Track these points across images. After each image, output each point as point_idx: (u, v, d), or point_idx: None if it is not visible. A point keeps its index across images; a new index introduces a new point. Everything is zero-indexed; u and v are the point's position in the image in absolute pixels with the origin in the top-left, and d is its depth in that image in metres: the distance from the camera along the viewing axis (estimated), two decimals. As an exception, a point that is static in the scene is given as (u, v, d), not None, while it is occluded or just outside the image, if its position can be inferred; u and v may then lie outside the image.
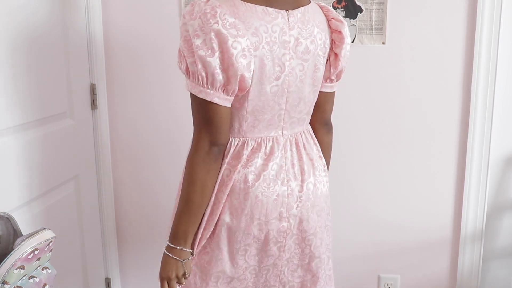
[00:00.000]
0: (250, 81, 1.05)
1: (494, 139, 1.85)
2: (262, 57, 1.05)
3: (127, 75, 1.91)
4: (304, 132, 1.23)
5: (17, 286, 1.05)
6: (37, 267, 1.11)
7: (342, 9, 1.79)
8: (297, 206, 1.17)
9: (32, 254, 1.06)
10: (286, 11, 1.08)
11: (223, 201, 1.13)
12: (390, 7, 1.78)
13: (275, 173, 1.14)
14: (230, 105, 1.06)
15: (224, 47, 0.99)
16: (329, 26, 1.19)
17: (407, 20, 1.79)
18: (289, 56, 1.09)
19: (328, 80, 1.23)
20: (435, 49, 1.80)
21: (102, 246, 1.96)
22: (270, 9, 1.06)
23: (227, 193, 1.13)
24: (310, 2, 1.16)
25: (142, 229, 2.03)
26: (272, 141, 1.16)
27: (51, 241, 1.12)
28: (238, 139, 1.14)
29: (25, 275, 1.07)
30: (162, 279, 1.18)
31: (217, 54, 0.99)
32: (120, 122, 1.95)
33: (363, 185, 1.93)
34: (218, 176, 1.12)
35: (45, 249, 1.10)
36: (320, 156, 1.25)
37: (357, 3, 1.78)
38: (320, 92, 1.24)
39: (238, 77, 1.01)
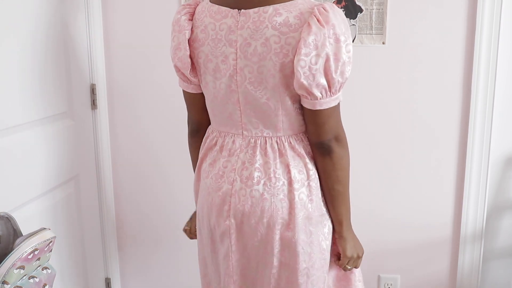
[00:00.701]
0: (188, 71, 1.16)
1: (494, 139, 1.85)
2: (207, 53, 1.12)
3: (127, 75, 1.91)
4: (274, 138, 1.14)
5: (17, 286, 1.05)
6: (37, 267, 1.11)
7: (342, 9, 1.79)
8: (238, 208, 1.15)
9: (32, 254, 1.06)
10: (238, 10, 1.07)
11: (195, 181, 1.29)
12: (390, 7, 1.78)
13: (223, 170, 1.17)
14: (191, 91, 1.23)
15: (171, 40, 1.16)
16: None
17: (407, 20, 1.79)
18: (236, 55, 1.08)
19: (304, 96, 1.07)
20: (435, 49, 1.80)
21: (102, 246, 1.96)
22: (223, 8, 1.09)
23: (197, 173, 1.28)
24: (282, 1, 1.05)
25: (142, 229, 2.03)
26: (231, 137, 1.18)
27: (51, 241, 1.12)
28: (210, 127, 1.25)
29: (25, 275, 1.07)
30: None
31: (172, 44, 1.17)
32: (120, 122, 1.95)
33: (363, 185, 1.93)
34: (198, 152, 1.28)
35: (45, 249, 1.10)
36: (300, 170, 1.13)
37: (357, 3, 1.78)
38: (304, 108, 1.11)
39: (176, 65, 1.17)
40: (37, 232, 1.09)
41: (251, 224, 1.14)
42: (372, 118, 1.88)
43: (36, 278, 1.10)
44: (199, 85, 1.21)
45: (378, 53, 1.82)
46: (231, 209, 1.15)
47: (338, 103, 1.11)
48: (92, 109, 1.84)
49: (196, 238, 1.36)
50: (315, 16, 1.01)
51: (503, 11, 1.74)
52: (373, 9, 1.78)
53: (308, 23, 1.01)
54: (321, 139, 1.11)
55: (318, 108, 1.07)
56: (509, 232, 2.00)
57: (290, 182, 1.12)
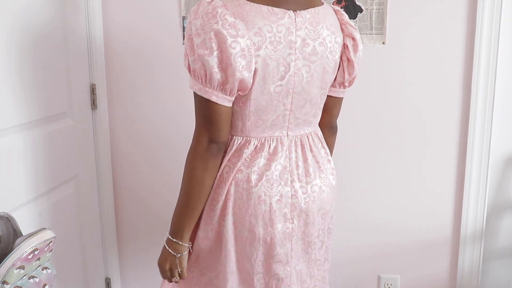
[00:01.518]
0: (251, 80, 1.05)
1: (494, 139, 1.85)
2: (265, 57, 1.05)
3: (127, 75, 1.91)
4: (311, 134, 1.22)
5: (17, 286, 1.05)
6: (37, 267, 1.11)
7: (342, 9, 1.79)
8: (302, 208, 1.16)
9: (32, 254, 1.06)
10: (294, 11, 1.08)
11: (223, 198, 1.13)
12: (390, 7, 1.78)
13: (278, 174, 1.14)
14: (229, 105, 1.07)
15: (223, 47, 1.00)
16: (342, 30, 1.18)
17: (407, 20, 1.79)
18: (295, 56, 1.09)
19: (340, 86, 1.24)
20: (435, 49, 1.80)
21: (102, 246, 1.96)
22: (276, 9, 1.06)
23: (226, 190, 1.13)
24: (322, 3, 1.16)
25: (142, 229, 2.03)
26: (276, 141, 1.16)
27: (51, 241, 1.12)
28: (241, 138, 1.14)
29: (25, 275, 1.07)
30: (159, 267, 1.25)
31: (215, 53, 1.00)
32: (120, 122, 1.95)
33: (363, 185, 1.93)
34: (217, 173, 1.13)
35: (45, 249, 1.10)
36: (328, 160, 1.25)
37: (357, 3, 1.78)
38: (329, 96, 1.24)
39: (237, 77, 1.02)
40: (37, 232, 1.09)
41: (315, 219, 1.20)
42: (372, 118, 1.88)
43: (36, 278, 1.10)
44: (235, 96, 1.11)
45: (378, 53, 1.82)
46: (295, 210, 1.16)
47: None
48: (92, 109, 1.84)
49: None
50: (345, 17, 1.22)
51: (503, 11, 1.74)
52: (373, 9, 1.78)
53: (347, 23, 1.20)
54: (333, 122, 1.33)
55: (341, 95, 1.28)
56: (509, 232, 2.00)
57: (332, 172, 1.25)
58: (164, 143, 1.95)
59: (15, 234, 1.14)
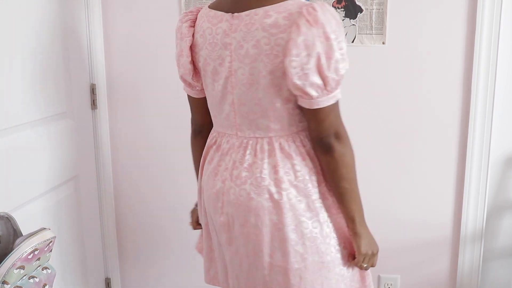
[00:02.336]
0: (189, 77, 1.22)
1: (494, 139, 1.85)
2: (206, 56, 1.16)
3: (127, 75, 1.91)
4: (270, 140, 1.15)
5: (17, 286, 1.05)
6: (37, 267, 1.11)
7: (342, 9, 1.79)
8: (229, 207, 1.17)
9: (32, 254, 1.06)
10: (232, 14, 1.10)
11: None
12: (390, 7, 1.78)
13: (218, 168, 1.20)
14: (194, 95, 1.28)
15: (175, 48, 1.22)
16: None
17: (407, 20, 1.79)
18: (231, 58, 1.12)
19: (303, 95, 1.07)
20: (435, 49, 1.80)
21: (102, 246, 1.96)
22: (219, 13, 1.13)
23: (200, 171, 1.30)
24: (272, 3, 1.06)
25: (142, 229, 2.03)
26: (226, 138, 1.21)
27: (51, 241, 1.12)
28: (213, 128, 1.28)
29: (25, 275, 1.07)
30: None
31: (175, 51, 1.23)
32: (120, 122, 1.95)
33: (363, 185, 1.92)
34: (199, 152, 1.33)
35: (45, 249, 1.10)
36: (296, 176, 1.13)
37: (357, 3, 1.78)
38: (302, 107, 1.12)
39: (179, 72, 1.23)
40: (37, 232, 1.09)
41: (241, 223, 1.15)
42: (372, 118, 1.88)
43: (36, 278, 1.10)
44: (202, 90, 1.26)
45: (378, 53, 1.82)
46: (224, 207, 1.18)
47: (338, 102, 1.12)
48: (92, 109, 1.84)
49: (199, 229, 1.42)
50: (304, 16, 1.02)
51: (503, 11, 1.74)
52: (373, 9, 1.78)
53: (297, 23, 1.02)
54: (321, 136, 1.12)
55: (316, 107, 1.08)
56: (509, 232, 2.00)
57: (276, 183, 1.12)
58: (164, 142, 1.95)
59: (15, 234, 1.14)
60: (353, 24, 1.80)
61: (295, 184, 1.13)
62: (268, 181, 1.12)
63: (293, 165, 1.13)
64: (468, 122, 1.83)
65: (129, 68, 1.90)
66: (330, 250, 1.17)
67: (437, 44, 1.80)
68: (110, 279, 2.00)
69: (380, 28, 1.79)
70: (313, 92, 1.06)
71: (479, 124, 1.82)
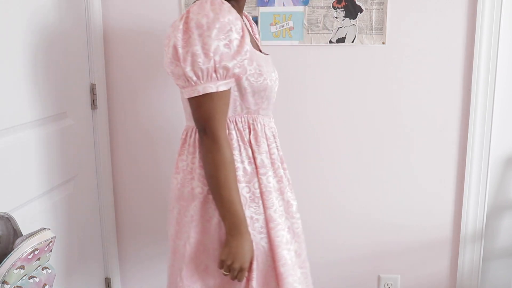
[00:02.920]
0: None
1: (494, 139, 1.85)
2: None
3: (127, 75, 1.91)
4: (191, 130, 1.28)
5: (17, 286, 1.05)
6: (37, 267, 1.11)
7: (342, 9, 1.79)
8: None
9: (32, 254, 1.06)
10: None
11: None
12: (390, 7, 1.78)
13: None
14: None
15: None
16: None
17: (407, 20, 1.79)
18: None
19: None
20: (435, 49, 1.80)
21: (102, 246, 1.96)
22: None
23: None
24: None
25: (142, 229, 2.03)
26: None
27: (51, 241, 1.12)
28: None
29: (25, 275, 1.07)
30: None
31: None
32: (120, 122, 1.95)
33: (363, 185, 1.93)
34: None
35: (45, 249, 1.10)
36: (184, 158, 1.27)
37: (357, 3, 1.78)
38: None
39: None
40: (37, 232, 1.09)
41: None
42: (372, 118, 1.88)
43: (36, 278, 1.10)
44: None
45: (378, 53, 1.82)
46: None
47: (209, 97, 1.12)
48: (92, 109, 1.84)
49: None
50: (186, 13, 1.13)
51: (503, 11, 1.74)
52: (373, 9, 1.78)
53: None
54: (193, 125, 1.24)
55: (186, 96, 1.16)
56: (509, 232, 2.00)
57: (176, 173, 1.29)
58: (164, 143, 1.95)
59: (15, 234, 1.14)
60: (353, 24, 1.80)
61: (183, 170, 1.27)
62: (177, 168, 1.30)
63: (193, 157, 1.24)
64: (468, 122, 1.83)
65: (129, 68, 1.90)
66: (194, 243, 1.26)
67: (437, 44, 1.80)
68: (110, 279, 2.00)
69: (380, 28, 1.79)
70: (179, 82, 1.14)
71: (479, 124, 1.82)
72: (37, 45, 1.46)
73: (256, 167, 1.24)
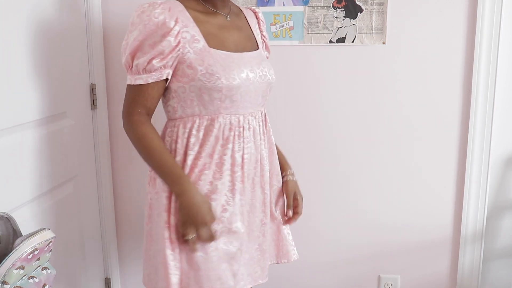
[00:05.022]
0: None
1: (494, 139, 1.85)
2: None
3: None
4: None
5: (16, 286, 1.05)
6: (37, 267, 1.11)
7: (342, 9, 1.79)
8: None
9: (31, 254, 1.06)
10: None
11: None
12: (390, 7, 1.78)
13: None
14: None
15: None
16: None
17: (407, 20, 1.79)
18: None
19: None
20: (435, 49, 1.80)
21: (102, 246, 1.96)
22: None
23: None
24: None
25: (142, 229, 2.03)
26: None
27: (50, 241, 1.12)
28: None
29: (24, 275, 1.07)
30: None
31: None
32: (120, 122, 1.94)
33: (363, 185, 1.93)
34: None
35: (45, 249, 1.10)
36: None
37: (357, 3, 1.78)
38: None
39: None
40: (36, 232, 1.09)
41: None
42: (372, 118, 1.87)
43: (36, 278, 1.10)
44: None
45: (378, 53, 1.82)
46: None
47: (128, 87, 1.28)
48: (92, 109, 1.84)
49: None
50: None
51: (503, 11, 1.74)
52: (373, 9, 1.78)
53: None
54: None
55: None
56: (510, 232, 2.00)
57: None
58: (164, 143, 1.95)
59: (15, 234, 1.14)
60: (353, 24, 1.80)
61: None
62: None
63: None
64: (468, 122, 1.83)
65: (129, 68, 1.89)
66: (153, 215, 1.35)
67: (437, 44, 1.80)
68: (110, 279, 2.00)
69: (380, 28, 1.79)
70: None
71: (480, 124, 1.82)
72: (37, 45, 1.46)
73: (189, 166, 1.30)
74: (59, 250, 1.59)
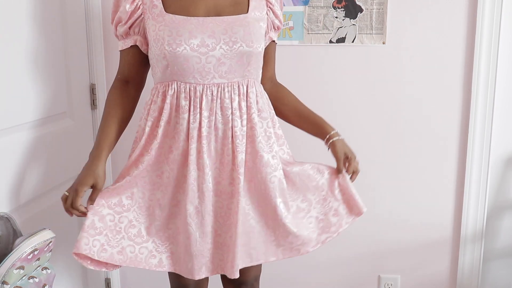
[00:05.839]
0: None
1: (494, 139, 1.85)
2: None
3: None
4: None
5: (16, 286, 1.05)
6: (37, 267, 1.11)
7: (342, 9, 1.79)
8: None
9: (31, 254, 1.06)
10: None
11: None
12: (390, 7, 1.78)
13: None
14: None
15: None
16: None
17: (407, 20, 1.79)
18: None
19: None
20: (435, 49, 1.80)
21: (102, 246, 1.96)
22: None
23: None
24: None
25: (142, 229, 2.03)
26: None
27: (50, 241, 1.12)
28: None
29: (24, 275, 1.07)
30: None
31: None
32: (120, 122, 1.94)
33: (363, 185, 1.93)
34: None
35: (45, 249, 1.10)
36: None
37: (357, 3, 1.78)
38: None
39: None
40: (36, 232, 1.09)
41: None
42: (372, 118, 1.87)
43: (36, 278, 1.10)
44: None
45: (378, 53, 1.82)
46: None
47: (120, 52, 1.38)
48: (92, 109, 1.84)
49: None
50: None
51: (503, 11, 1.74)
52: (373, 9, 1.78)
53: None
54: None
55: None
56: (510, 232, 2.00)
57: None
58: (164, 143, 1.94)
59: (15, 234, 1.14)
60: (353, 24, 1.80)
61: None
62: None
63: None
64: (468, 122, 1.83)
65: (129, 68, 1.89)
66: None
67: (437, 44, 1.80)
68: (110, 279, 2.00)
69: (380, 28, 1.79)
70: None
71: (479, 124, 1.82)
72: (38, 45, 1.45)
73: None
74: (59, 250, 1.59)
